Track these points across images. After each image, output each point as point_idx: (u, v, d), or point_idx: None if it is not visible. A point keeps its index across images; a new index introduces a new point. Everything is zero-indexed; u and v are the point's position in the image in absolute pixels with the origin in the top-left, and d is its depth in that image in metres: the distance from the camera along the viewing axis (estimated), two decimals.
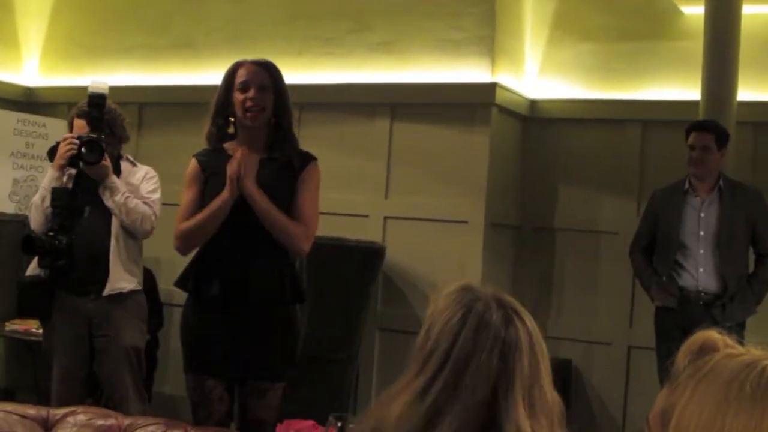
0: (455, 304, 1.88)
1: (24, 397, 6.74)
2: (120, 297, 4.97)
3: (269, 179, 4.08)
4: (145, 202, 5.05)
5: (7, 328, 6.25)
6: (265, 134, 4.16)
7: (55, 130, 7.84)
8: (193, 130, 7.35)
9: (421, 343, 1.88)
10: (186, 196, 4.22)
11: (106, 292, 4.92)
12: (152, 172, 5.30)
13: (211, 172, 4.15)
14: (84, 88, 7.96)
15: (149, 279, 6.97)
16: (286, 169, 4.14)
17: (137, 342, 5.05)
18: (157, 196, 5.18)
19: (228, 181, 3.99)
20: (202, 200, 4.15)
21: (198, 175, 4.19)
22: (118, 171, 5.11)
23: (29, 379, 6.78)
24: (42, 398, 5.70)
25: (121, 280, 4.98)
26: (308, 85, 6.73)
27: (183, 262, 4.28)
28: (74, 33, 8.31)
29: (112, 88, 7.86)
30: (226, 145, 4.20)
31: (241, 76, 4.13)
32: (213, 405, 4.09)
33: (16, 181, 7.59)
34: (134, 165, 5.28)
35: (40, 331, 6.06)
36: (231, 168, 3.98)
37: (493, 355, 1.81)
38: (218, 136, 4.20)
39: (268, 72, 4.16)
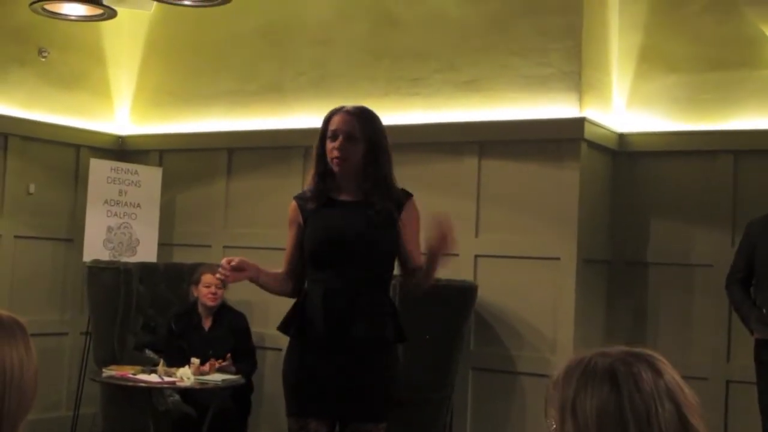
0: (592, 375, 1.79)
1: None
2: None
3: (368, 226, 4.09)
4: None
5: (104, 374, 6.31)
6: (359, 181, 4.16)
7: (148, 177, 7.98)
8: (282, 174, 7.50)
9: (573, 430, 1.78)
10: (287, 239, 4.28)
11: None
12: None
13: (311, 212, 4.16)
14: (175, 136, 8.16)
15: (242, 322, 7.01)
16: (384, 216, 4.13)
17: None
18: None
19: None
20: (300, 243, 4.19)
21: (296, 218, 4.22)
22: None
23: (127, 423, 6.84)
24: None
25: None
26: (396, 125, 6.73)
27: (275, 305, 4.29)
28: (164, 81, 8.46)
29: (202, 135, 8.03)
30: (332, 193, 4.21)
31: (333, 124, 4.13)
32: None
33: (110, 229, 7.71)
34: None
35: (137, 376, 6.15)
36: None
37: (665, 402, 1.76)
38: (320, 182, 4.20)
39: (358, 121, 4.13)
